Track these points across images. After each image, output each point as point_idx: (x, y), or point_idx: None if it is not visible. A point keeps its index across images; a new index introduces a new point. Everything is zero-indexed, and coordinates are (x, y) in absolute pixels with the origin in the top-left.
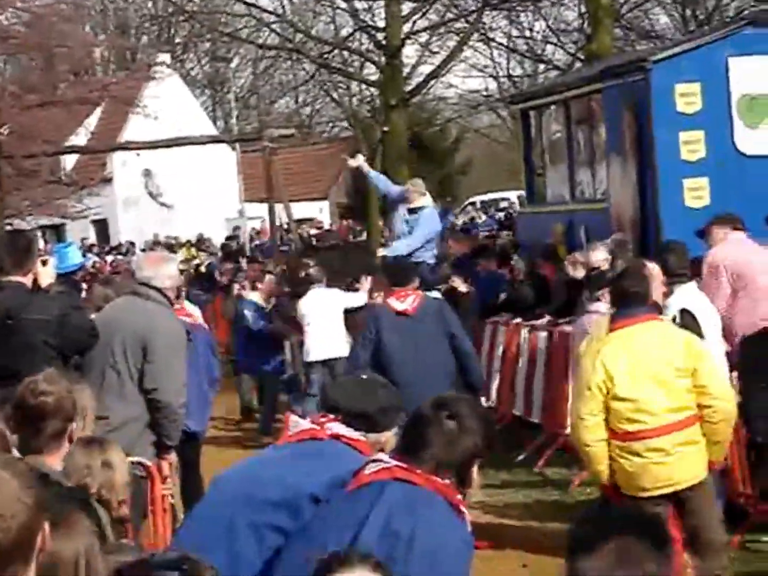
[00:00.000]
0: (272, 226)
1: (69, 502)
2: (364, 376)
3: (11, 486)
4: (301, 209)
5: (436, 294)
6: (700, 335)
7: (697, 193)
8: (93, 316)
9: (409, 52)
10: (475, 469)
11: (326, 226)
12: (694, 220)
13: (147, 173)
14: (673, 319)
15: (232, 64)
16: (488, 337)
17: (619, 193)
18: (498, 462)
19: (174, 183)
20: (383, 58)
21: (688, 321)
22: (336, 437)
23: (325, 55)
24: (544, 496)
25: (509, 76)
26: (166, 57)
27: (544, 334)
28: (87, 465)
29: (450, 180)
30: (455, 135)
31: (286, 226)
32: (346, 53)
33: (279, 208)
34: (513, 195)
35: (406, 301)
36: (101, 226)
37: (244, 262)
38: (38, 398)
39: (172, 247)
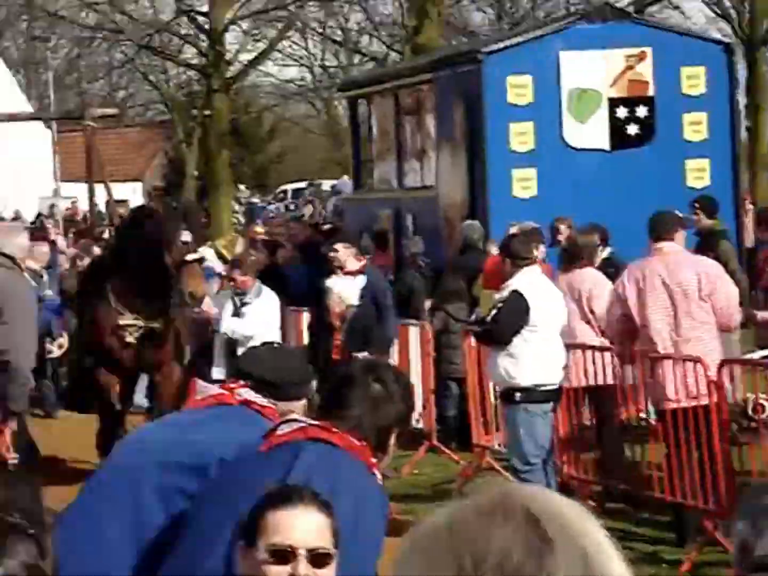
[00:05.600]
0: (92, 206)
1: None
2: (276, 345)
3: None
4: (114, 191)
5: None
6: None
7: (525, 183)
8: None
9: (231, 39)
10: (393, 437)
11: None
12: (521, 210)
13: None
14: None
15: (50, 43)
16: None
17: (449, 182)
18: None
19: None
20: (206, 43)
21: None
22: (246, 403)
23: (146, 38)
24: None
25: (324, 67)
26: None
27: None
28: None
29: (265, 168)
30: (271, 124)
31: (104, 207)
32: (165, 37)
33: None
34: (326, 183)
35: None
36: None
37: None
38: None
39: None
